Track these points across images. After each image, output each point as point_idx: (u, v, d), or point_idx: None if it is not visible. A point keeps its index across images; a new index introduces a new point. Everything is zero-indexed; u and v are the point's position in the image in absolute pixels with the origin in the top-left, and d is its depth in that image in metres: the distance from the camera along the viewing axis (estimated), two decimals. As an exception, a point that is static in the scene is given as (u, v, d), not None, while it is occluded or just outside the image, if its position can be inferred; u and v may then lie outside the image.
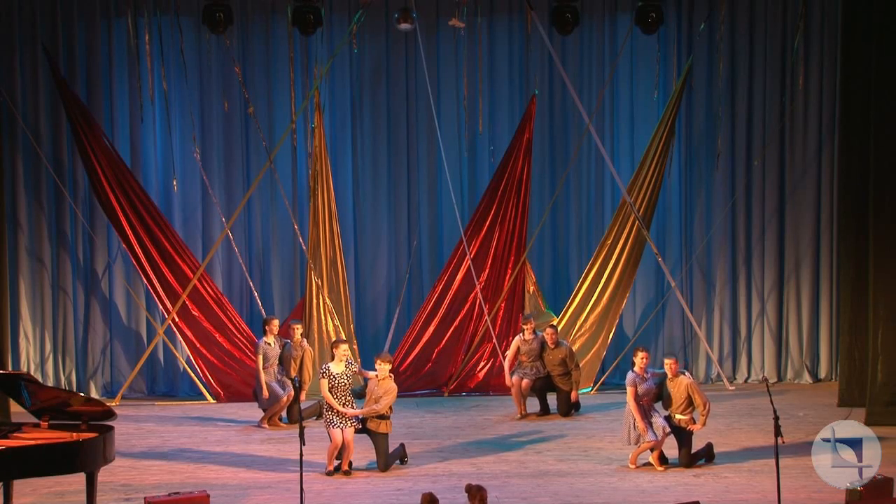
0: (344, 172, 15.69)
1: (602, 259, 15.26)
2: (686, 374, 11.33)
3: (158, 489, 10.44)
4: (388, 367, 11.20)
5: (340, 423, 10.99)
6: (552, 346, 13.66)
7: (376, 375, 11.15)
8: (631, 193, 15.08)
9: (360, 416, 11.09)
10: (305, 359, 13.35)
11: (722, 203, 15.73)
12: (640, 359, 11.23)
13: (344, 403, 11.01)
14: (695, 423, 11.19)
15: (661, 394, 11.34)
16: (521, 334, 13.84)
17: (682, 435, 11.26)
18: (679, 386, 11.20)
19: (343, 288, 15.01)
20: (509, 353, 13.83)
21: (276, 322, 13.37)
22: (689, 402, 11.21)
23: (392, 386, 11.15)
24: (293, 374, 13.27)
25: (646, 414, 11.16)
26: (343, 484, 10.87)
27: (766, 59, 15.61)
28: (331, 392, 10.98)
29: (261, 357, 13.09)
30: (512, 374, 13.72)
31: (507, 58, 15.71)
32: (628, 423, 11.23)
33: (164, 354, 15.34)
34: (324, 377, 10.99)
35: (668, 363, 11.21)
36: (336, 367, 11.05)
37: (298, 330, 13.42)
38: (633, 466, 11.25)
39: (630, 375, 11.25)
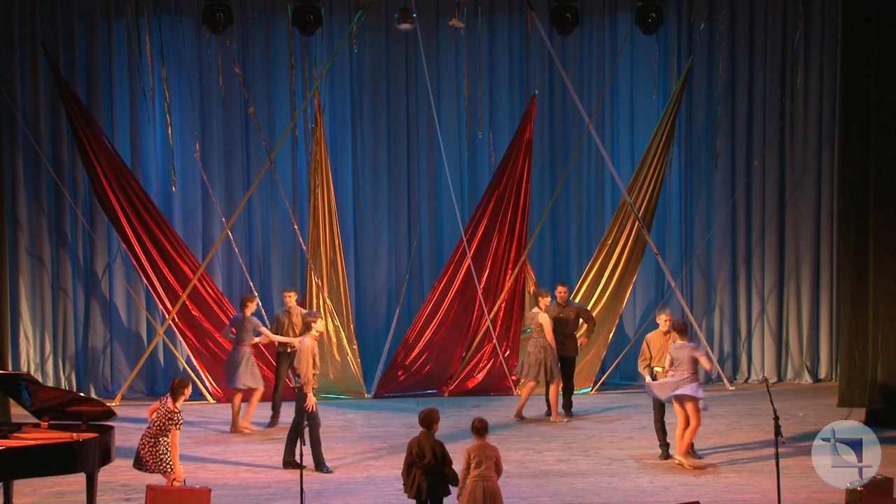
0: (344, 172, 15.69)
1: (602, 259, 15.26)
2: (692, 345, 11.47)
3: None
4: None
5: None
6: (563, 304, 13.72)
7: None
8: (631, 193, 15.08)
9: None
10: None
11: (722, 203, 15.74)
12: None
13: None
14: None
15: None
16: (536, 308, 13.76)
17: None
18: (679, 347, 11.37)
19: (343, 288, 15.00)
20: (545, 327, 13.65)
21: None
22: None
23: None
24: (291, 335, 13.23)
25: None
26: (343, 484, 10.87)
27: (766, 59, 15.61)
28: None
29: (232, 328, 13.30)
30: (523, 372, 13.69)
31: (507, 58, 15.71)
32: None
33: (164, 354, 15.34)
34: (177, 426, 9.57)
35: (662, 318, 11.76)
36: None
37: (293, 297, 13.42)
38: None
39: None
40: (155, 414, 9.62)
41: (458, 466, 8.64)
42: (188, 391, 9.70)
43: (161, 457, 9.55)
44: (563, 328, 13.62)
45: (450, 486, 8.67)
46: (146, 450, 9.58)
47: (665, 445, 11.66)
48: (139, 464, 9.68)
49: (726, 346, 15.94)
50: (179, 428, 9.55)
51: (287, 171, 15.47)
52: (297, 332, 13.18)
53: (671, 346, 11.38)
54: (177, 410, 9.53)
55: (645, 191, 15.15)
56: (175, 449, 9.53)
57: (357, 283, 15.74)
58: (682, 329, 11.37)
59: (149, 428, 9.62)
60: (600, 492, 10.52)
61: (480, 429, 8.69)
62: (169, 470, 9.55)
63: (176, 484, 9.51)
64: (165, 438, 9.54)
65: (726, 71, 15.63)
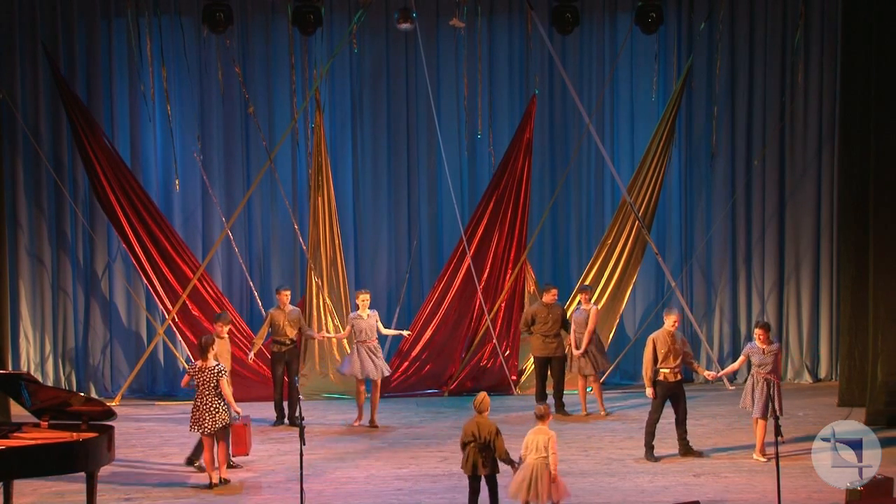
0: (344, 172, 15.69)
1: (602, 259, 15.27)
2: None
3: (158, 489, 10.45)
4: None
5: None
6: (552, 304, 13.71)
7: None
8: (631, 193, 15.08)
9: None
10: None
11: (722, 203, 15.74)
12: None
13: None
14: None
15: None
16: (578, 306, 13.83)
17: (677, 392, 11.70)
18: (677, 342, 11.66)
19: (343, 288, 15.01)
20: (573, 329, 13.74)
21: (361, 295, 13.28)
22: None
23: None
24: (288, 332, 13.24)
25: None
26: (343, 484, 10.88)
27: (766, 59, 15.61)
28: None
29: (350, 328, 13.34)
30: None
31: (507, 58, 15.71)
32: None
33: (164, 354, 15.34)
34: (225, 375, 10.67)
35: (671, 318, 11.62)
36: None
37: (286, 295, 13.38)
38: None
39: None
40: (196, 381, 10.54)
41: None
42: (215, 345, 10.75)
43: (216, 415, 10.46)
44: (549, 329, 13.63)
45: (500, 463, 9.39)
46: (201, 412, 10.48)
47: (651, 447, 11.63)
48: (198, 426, 10.53)
49: (726, 346, 15.94)
50: (225, 375, 10.56)
51: (287, 171, 15.47)
52: (291, 330, 13.27)
53: (752, 351, 11.48)
54: (216, 363, 10.55)
55: (645, 191, 15.15)
56: (227, 391, 10.52)
57: (357, 283, 15.71)
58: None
59: (198, 392, 10.51)
60: (600, 492, 10.53)
61: (539, 416, 9.54)
62: (222, 424, 10.48)
63: (235, 414, 10.66)
64: (216, 399, 10.46)
65: (726, 71, 15.62)
